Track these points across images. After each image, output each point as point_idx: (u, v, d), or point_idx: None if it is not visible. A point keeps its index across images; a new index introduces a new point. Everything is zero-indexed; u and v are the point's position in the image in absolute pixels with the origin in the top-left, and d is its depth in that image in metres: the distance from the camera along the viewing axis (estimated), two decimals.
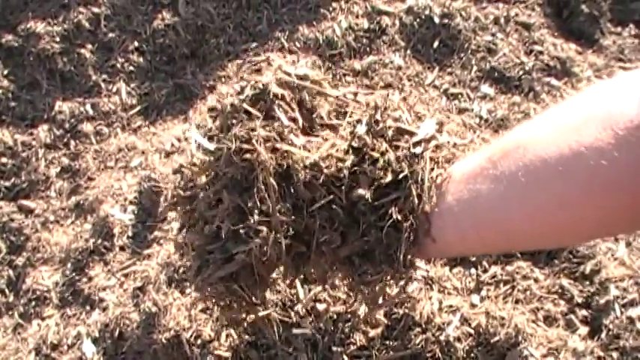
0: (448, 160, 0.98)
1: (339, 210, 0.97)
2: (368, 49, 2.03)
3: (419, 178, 0.93)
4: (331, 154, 0.98)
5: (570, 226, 0.83)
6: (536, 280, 1.46)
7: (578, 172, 0.76)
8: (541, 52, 2.05)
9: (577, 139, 0.76)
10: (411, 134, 0.99)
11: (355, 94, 1.10)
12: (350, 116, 1.05)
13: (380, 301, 1.10)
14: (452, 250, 1.03)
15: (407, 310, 1.36)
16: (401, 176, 0.95)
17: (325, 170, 0.96)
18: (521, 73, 1.97)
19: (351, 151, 0.99)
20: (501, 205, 0.85)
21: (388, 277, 1.03)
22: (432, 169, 0.94)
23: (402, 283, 1.05)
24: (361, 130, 0.99)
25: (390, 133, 0.98)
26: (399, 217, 0.93)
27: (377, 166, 0.96)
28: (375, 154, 0.97)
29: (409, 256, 0.98)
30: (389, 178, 0.95)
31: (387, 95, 1.04)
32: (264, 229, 0.94)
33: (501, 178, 0.84)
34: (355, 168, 0.97)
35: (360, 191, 0.95)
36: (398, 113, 1.01)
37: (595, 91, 0.81)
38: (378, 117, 1.00)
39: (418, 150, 0.96)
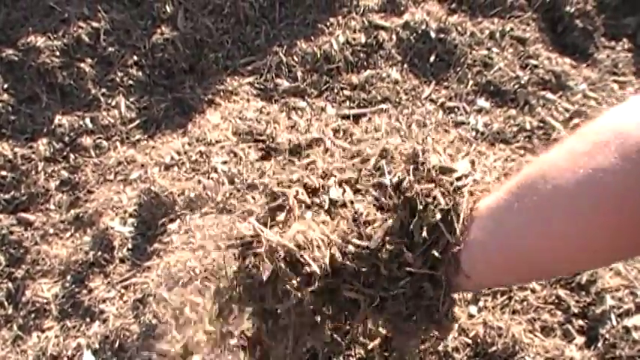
0: (482, 195, 0.98)
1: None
2: (365, 63, 2.05)
3: (459, 212, 0.94)
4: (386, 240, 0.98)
5: (594, 252, 0.84)
6: (533, 291, 1.48)
7: (595, 197, 0.78)
8: (536, 66, 2.07)
9: (592, 165, 0.77)
10: (452, 171, 1.00)
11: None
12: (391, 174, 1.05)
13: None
14: (484, 282, 1.03)
15: None
16: (444, 211, 0.95)
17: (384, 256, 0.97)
18: (516, 86, 2.00)
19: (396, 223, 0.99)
20: (525, 235, 0.86)
21: (430, 332, 1.04)
22: (472, 203, 0.95)
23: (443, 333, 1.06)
24: (406, 180, 1.00)
25: (434, 173, 0.99)
26: (439, 256, 0.94)
27: (427, 211, 0.96)
28: (428, 199, 0.97)
29: (450, 309, 0.99)
30: (438, 216, 0.95)
31: (424, 139, 1.05)
32: None
33: (524, 209, 0.85)
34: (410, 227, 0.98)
35: (410, 255, 0.96)
36: (436, 155, 1.02)
37: (607, 117, 0.82)
38: (420, 160, 1.01)
39: (461, 184, 0.98)
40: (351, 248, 0.97)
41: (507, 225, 0.88)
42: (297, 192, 1.04)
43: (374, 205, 1.02)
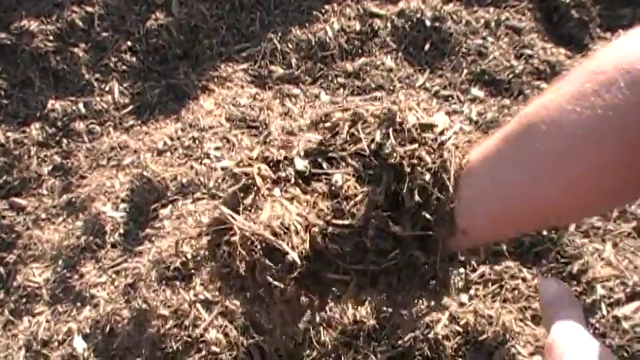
0: (469, 146, 0.94)
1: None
2: (360, 51, 2.04)
3: (448, 168, 0.89)
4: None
5: (609, 191, 0.80)
6: (524, 280, 1.47)
7: (607, 136, 0.74)
8: (531, 56, 2.06)
9: (600, 104, 0.73)
10: (433, 126, 0.95)
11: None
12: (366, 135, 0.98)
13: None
14: (483, 238, 0.96)
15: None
16: (432, 170, 0.91)
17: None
18: (511, 76, 1.99)
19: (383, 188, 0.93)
20: (532, 184, 0.81)
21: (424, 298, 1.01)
22: (459, 157, 0.91)
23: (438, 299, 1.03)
24: (388, 143, 0.94)
25: (414, 132, 0.94)
26: (431, 218, 0.89)
27: (415, 173, 0.91)
28: (414, 161, 0.91)
29: (446, 275, 0.97)
30: (427, 176, 0.90)
31: (396, 99, 1.01)
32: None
33: (524, 157, 0.81)
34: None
35: (397, 228, 0.93)
36: (413, 113, 0.96)
37: (609, 53, 0.78)
38: (397, 120, 0.95)
39: (444, 138, 0.93)
40: (332, 229, 0.91)
41: (507, 175, 0.83)
42: (259, 169, 0.97)
43: (352, 175, 0.94)
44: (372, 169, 0.94)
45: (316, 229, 0.92)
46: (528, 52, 2.07)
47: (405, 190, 0.91)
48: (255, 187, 0.95)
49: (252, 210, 0.94)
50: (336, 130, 1.00)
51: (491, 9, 2.18)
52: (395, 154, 0.92)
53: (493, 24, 2.12)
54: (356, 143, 0.97)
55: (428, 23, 2.05)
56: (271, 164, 0.99)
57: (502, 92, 1.97)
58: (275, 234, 0.90)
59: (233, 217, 0.92)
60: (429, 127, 0.95)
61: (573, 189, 0.79)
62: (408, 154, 0.92)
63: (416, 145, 0.92)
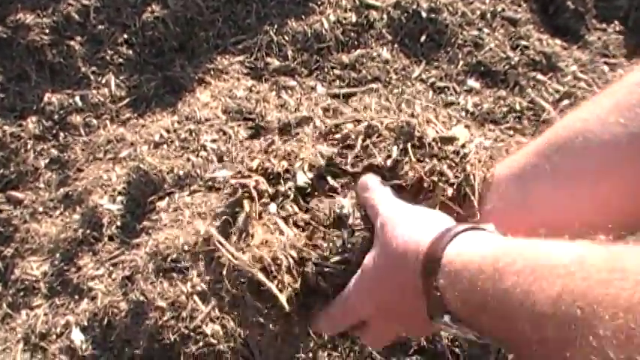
0: (492, 161, 0.89)
1: None
2: (356, 42, 2.04)
3: (472, 183, 0.85)
4: None
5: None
6: None
7: None
8: (527, 47, 2.06)
9: None
10: (453, 140, 0.91)
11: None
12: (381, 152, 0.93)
13: None
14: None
15: None
16: (455, 185, 0.87)
17: None
18: (507, 67, 1.99)
19: None
20: (568, 200, 0.78)
21: None
22: (484, 171, 0.87)
23: None
24: (407, 159, 0.89)
25: (435, 146, 0.90)
26: None
27: (437, 190, 0.87)
28: (434, 178, 0.87)
29: None
30: (450, 191, 0.86)
31: (412, 112, 0.97)
32: None
33: (561, 171, 0.77)
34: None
35: None
36: (431, 126, 0.93)
37: None
38: (417, 134, 0.91)
39: (466, 150, 0.89)
40: (329, 269, 0.86)
41: (536, 192, 0.80)
42: (256, 182, 0.92)
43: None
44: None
45: (310, 269, 0.86)
46: (524, 43, 2.07)
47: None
48: (250, 203, 0.91)
49: (244, 233, 0.89)
50: (347, 143, 0.96)
51: (487, 0, 2.18)
52: (414, 170, 0.88)
53: (489, 15, 2.12)
54: (369, 158, 0.92)
55: (424, 14, 2.05)
56: (271, 176, 0.95)
57: (498, 83, 1.97)
58: (264, 270, 0.85)
59: (222, 244, 0.88)
60: (450, 140, 0.92)
61: (610, 205, 0.76)
62: (429, 169, 0.88)
63: (436, 161, 0.88)
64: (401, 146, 0.91)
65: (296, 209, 0.92)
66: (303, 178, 0.93)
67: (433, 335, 1.34)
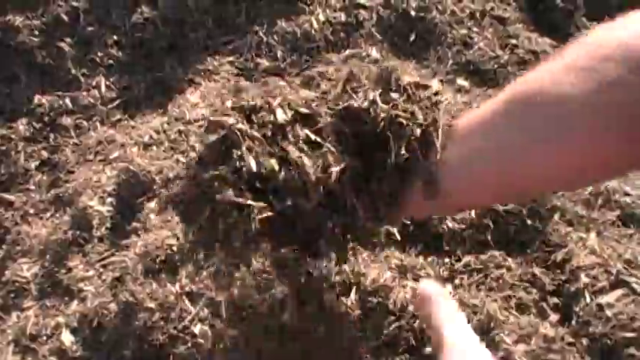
0: (459, 113, 0.95)
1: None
2: (345, 42, 2.04)
3: (437, 127, 0.90)
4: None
5: (599, 164, 0.81)
6: (508, 269, 1.48)
7: (602, 110, 0.76)
8: (516, 46, 2.06)
9: (596, 78, 0.75)
10: (427, 87, 0.95)
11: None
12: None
13: None
14: (464, 201, 0.98)
15: (381, 299, 1.37)
16: (423, 126, 0.92)
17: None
18: (496, 66, 1.99)
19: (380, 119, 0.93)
20: (524, 153, 0.82)
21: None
22: (449, 119, 0.92)
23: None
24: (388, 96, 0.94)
25: (409, 90, 0.94)
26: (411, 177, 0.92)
27: (406, 129, 0.92)
28: (406, 115, 0.92)
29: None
30: (418, 132, 0.91)
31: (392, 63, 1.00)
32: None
33: (518, 125, 0.82)
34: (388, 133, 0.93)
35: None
36: (407, 75, 0.96)
37: (606, 30, 0.80)
38: (394, 78, 0.95)
39: (438, 99, 0.94)
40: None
41: (499, 142, 0.84)
42: (237, 120, 0.94)
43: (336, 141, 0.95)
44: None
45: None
46: (513, 41, 2.08)
47: (392, 145, 0.91)
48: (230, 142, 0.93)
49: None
50: (329, 89, 0.99)
51: None
52: (387, 111, 0.92)
53: (478, 14, 2.13)
54: (348, 99, 0.96)
55: (413, 14, 2.05)
56: (249, 115, 0.96)
57: (487, 82, 1.97)
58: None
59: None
60: (424, 87, 0.96)
61: (565, 162, 0.81)
62: (402, 108, 0.92)
63: (409, 104, 0.92)
64: (379, 90, 0.94)
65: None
66: (282, 116, 0.95)
67: (422, 334, 1.34)
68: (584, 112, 0.77)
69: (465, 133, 0.89)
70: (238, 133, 0.92)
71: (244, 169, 0.90)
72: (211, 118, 0.96)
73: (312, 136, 0.94)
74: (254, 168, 0.90)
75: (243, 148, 0.91)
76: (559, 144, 0.80)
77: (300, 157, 0.91)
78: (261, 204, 0.90)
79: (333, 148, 0.93)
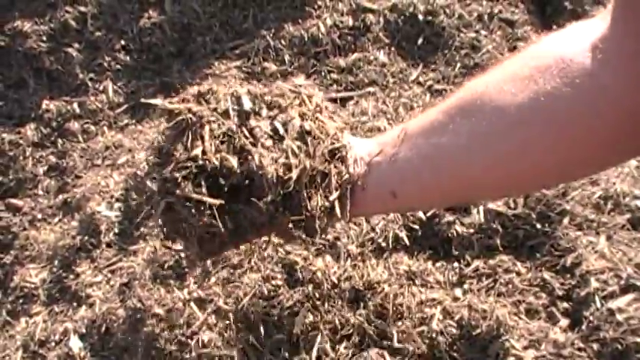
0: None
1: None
2: (352, 46, 2.03)
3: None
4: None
5: (532, 172, 0.85)
6: (518, 274, 1.47)
7: (537, 120, 0.78)
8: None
9: (534, 89, 0.77)
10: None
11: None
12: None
13: None
14: (411, 202, 1.02)
15: (390, 305, 1.37)
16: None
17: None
18: None
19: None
20: (463, 157, 0.86)
21: None
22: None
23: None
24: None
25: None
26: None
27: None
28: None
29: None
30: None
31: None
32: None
33: (461, 130, 0.85)
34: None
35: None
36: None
37: (548, 42, 0.82)
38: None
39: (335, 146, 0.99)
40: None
41: (443, 147, 0.88)
42: (194, 105, 0.96)
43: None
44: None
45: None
46: (522, 44, 2.06)
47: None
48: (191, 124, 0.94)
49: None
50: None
51: (484, 2, 2.17)
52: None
53: (486, 17, 2.12)
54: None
55: (420, 17, 2.05)
56: (209, 103, 0.98)
57: None
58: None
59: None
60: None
61: (500, 165, 0.84)
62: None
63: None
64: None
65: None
66: (249, 104, 0.97)
67: (431, 340, 1.33)
68: (520, 122, 0.80)
69: (412, 137, 0.93)
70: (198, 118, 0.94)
71: (206, 162, 0.91)
72: (169, 105, 0.98)
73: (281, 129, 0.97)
74: (216, 163, 0.91)
75: (206, 135, 0.92)
76: (493, 151, 0.83)
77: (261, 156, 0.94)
78: (215, 201, 0.91)
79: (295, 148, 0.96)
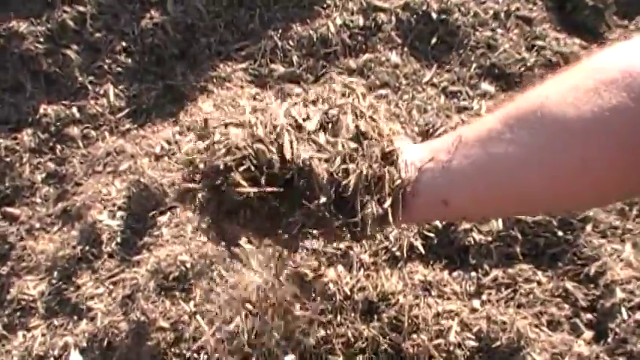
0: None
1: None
2: (363, 46, 2.03)
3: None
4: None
5: (590, 189, 0.85)
6: (539, 283, 1.47)
7: (599, 135, 0.78)
8: (543, 48, 2.05)
9: (598, 102, 0.77)
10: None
11: None
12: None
13: None
14: (463, 213, 1.03)
15: (405, 317, 1.37)
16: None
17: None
18: (522, 69, 1.98)
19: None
20: (520, 169, 0.86)
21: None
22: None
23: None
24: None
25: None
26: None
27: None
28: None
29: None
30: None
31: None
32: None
33: (520, 142, 0.85)
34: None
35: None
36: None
37: (613, 54, 0.82)
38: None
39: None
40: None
41: (500, 158, 0.87)
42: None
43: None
44: None
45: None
46: (540, 43, 2.06)
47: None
48: None
49: None
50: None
51: None
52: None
53: (503, 15, 2.11)
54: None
55: (434, 16, 2.05)
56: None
57: (513, 86, 1.96)
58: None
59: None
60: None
61: (559, 181, 0.84)
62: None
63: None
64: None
65: None
66: (314, 125, 0.98)
67: (448, 353, 1.34)
68: (582, 136, 0.80)
69: (467, 145, 0.92)
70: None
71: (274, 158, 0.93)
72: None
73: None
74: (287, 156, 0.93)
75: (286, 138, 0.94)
76: (552, 164, 0.83)
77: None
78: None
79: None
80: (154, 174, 1.72)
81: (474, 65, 1.98)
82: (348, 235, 1.00)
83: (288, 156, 0.93)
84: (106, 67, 2.08)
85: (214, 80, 2.04)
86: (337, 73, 1.98)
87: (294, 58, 2.03)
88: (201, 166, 0.98)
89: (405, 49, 2.02)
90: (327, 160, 0.94)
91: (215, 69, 2.06)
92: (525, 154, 0.85)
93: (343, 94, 1.03)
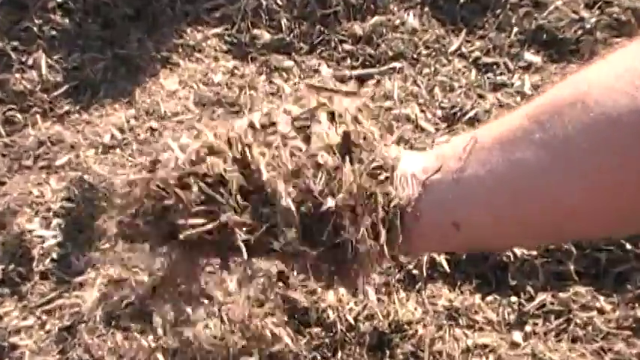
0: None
1: None
2: (372, 6, 2.04)
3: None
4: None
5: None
6: (600, 312, 1.48)
7: None
8: (608, 3, 2.04)
9: None
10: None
11: None
12: None
13: None
14: (479, 238, 0.96)
15: (425, 353, 1.38)
16: None
17: None
18: (580, 32, 1.98)
19: None
20: (557, 179, 0.82)
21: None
22: None
23: None
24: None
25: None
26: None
27: None
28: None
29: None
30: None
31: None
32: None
33: (553, 143, 0.81)
34: None
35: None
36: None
37: None
38: None
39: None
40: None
41: (529, 165, 0.84)
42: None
43: None
44: None
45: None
46: None
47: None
48: None
49: None
50: None
51: None
52: None
53: None
54: None
55: None
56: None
57: (567, 56, 1.96)
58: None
59: None
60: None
61: (607, 194, 0.81)
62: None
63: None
64: None
65: None
66: (285, 128, 0.97)
67: None
68: (631, 133, 0.76)
69: (485, 148, 0.89)
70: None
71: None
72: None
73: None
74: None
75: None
76: (599, 172, 0.80)
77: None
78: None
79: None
80: (101, 170, 1.73)
81: (515, 29, 1.99)
82: (340, 284, 1.00)
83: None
84: (35, 29, 2.08)
85: (180, 50, 2.04)
86: (338, 40, 1.99)
87: (283, 22, 2.04)
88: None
89: (426, 9, 2.03)
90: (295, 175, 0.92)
91: (181, 35, 2.07)
92: (564, 160, 0.81)
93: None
